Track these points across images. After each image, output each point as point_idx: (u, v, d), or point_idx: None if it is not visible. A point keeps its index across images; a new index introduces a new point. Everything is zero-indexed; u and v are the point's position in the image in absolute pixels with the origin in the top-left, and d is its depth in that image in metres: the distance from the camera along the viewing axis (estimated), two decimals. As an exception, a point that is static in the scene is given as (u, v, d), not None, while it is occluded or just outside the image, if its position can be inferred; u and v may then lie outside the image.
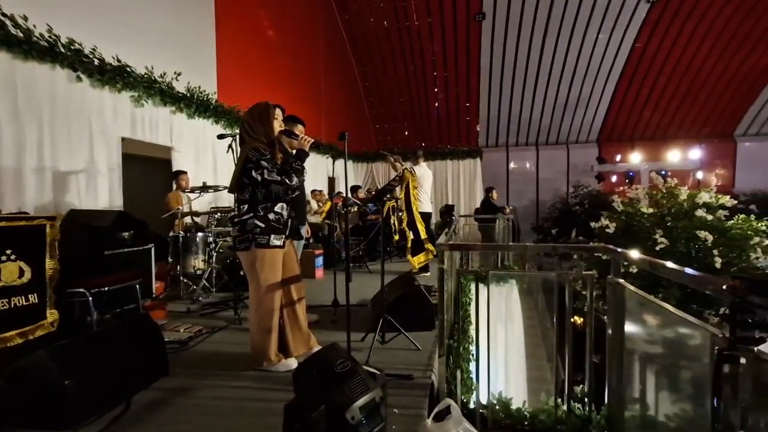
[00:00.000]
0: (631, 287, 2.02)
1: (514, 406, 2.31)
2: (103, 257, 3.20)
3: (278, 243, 2.39)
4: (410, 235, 5.00)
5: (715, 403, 1.19)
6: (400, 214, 5.67)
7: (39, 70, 3.39)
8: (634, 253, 2.07)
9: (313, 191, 7.63)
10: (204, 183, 4.33)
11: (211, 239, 4.26)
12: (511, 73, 11.85)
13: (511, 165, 14.04)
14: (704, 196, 4.55)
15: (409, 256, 5.15)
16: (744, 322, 1.11)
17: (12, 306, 2.36)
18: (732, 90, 11.54)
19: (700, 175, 12.05)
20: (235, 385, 2.25)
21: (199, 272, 4.28)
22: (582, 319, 2.90)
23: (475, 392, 2.31)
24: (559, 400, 2.23)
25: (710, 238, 4.25)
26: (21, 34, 3.20)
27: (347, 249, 2.57)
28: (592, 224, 5.17)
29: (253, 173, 2.32)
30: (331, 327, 3.21)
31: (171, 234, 4.30)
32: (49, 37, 3.42)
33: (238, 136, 2.76)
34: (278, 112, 2.55)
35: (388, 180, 10.37)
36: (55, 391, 1.78)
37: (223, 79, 5.96)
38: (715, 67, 11.06)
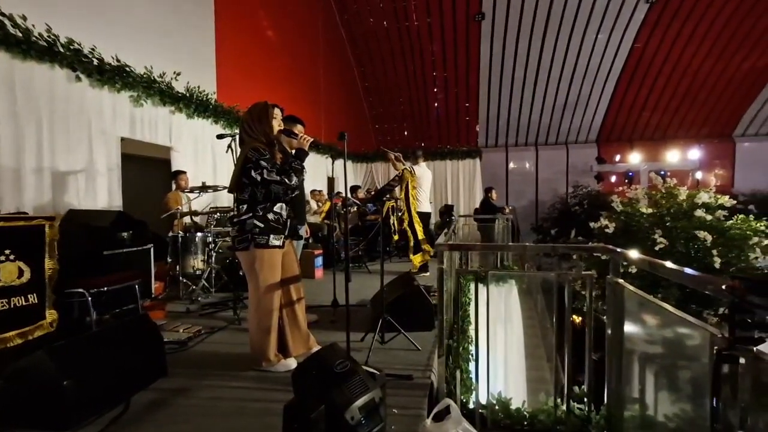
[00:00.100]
0: (631, 287, 2.02)
1: (513, 406, 2.32)
2: (103, 257, 3.20)
3: (277, 243, 2.39)
4: (411, 236, 5.03)
5: (714, 403, 1.19)
6: (400, 214, 5.68)
7: (38, 70, 3.39)
8: (634, 253, 2.08)
9: (312, 191, 7.63)
10: (203, 183, 4.33)
11: (210, 239, 4.26)
12: (510, 73, 11.86)
13: (511, 165, 14.05)
14: (703, 197, 4.55)
15: (411, 255, 5.17)
16: (743, 322, 1.11)
17: (11, 306, 2.36)
18: (731, 90, 11.56)
19: (699, 175, 12.06)
20: (235, 386, 2.24)
21: (198, 272, 4.27)
22: (580, 318, 2.90)
23: (474, 392, 2.31)
24: (559, 400, 2.23)
25: (709, 238, 4.26)
26: (20, 34, 3.19)
27: (347, 249, 2.57)
28: (592, 224, 5.18)
29: (253, 173, 2.32)
30: (330, 327, 3.21)
31: (170, 234, 4.29)
32: (48, 36, 3.42)
33: (237, 136, 2.76)
34: (277, 111, 2.55)
35: (387, 180, 10.38)
36: (54, 392, 1.78)
37: (223, 78, 5.95)
38: (714, 68, 11.08)
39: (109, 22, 4.19)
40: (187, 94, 5.03)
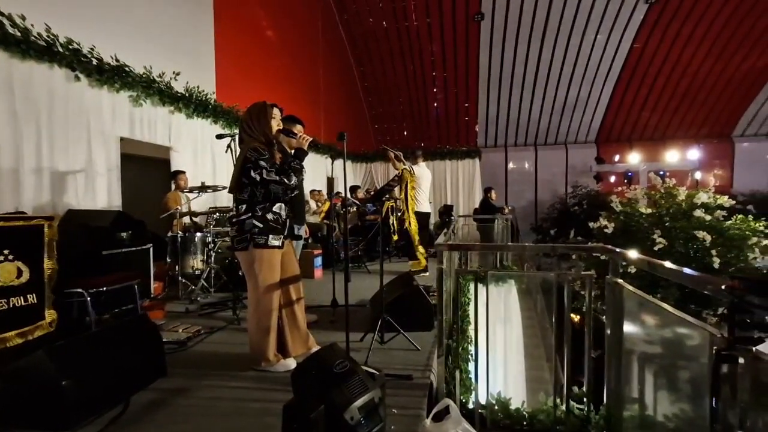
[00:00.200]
0: (630, 287, 2.02)
1: (513, 406, 2.32)
2: (102, 257, 3.20)
3: (277, 243, 2.38)
4: (414, 236, 5.06)
5: (713, 403, 1.19)
6: (400, 214, 5.69)
7: (37, 70, 3.38)
8: (633, 254, 2.08)
9: (312, 191, 7.63)
10: (202, 183, 4.32)
11: (209, 239, 4.26)
12: (509, 73, 11.87)
13: (510, 165, 14.06)
14: (702, 197, 4.56)
15: (410, 262, 5.22)
16: (742, 322, 1.11)
17: (10, 306, 2.35)
18: (730, 90, 11.57)
19: (698, 175, 12.06)
20: (234, 386, 2.24)
21: (197, 272, 4.27)
22: (579, 317, 2.91)
23: (474, 392, 2.31)
24: (558, 400, 2.23)
25: (708, 238, 4.26)
26: (19, 34, 3.18)
27: (346, 249, 2.57)
28: (591, 224, 5.18)
29: (252, 173, 2.32)
30: (329, 327, 3.21)
31: (169, 234, 4.29)
32: (48, 36, 3.41)
33: (237, 136, 2.76)
34: (276, 111, 2.54)
35: (386, 180, 10.39)
36: (54, 392, 1.77)
37: (222, 78, 5.95)
38: (713, 68, 11.09)
39: (109, 21, 4.19)
40: (187, 94, 5.02)
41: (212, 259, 4.26)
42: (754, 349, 1.09)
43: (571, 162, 13.64)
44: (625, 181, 12.83)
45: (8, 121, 3.17)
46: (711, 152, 12.72)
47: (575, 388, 2.31)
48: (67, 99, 3.64)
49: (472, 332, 2.41)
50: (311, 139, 2.57)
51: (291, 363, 2.39)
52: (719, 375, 1.16)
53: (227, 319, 3.44)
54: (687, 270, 1.51)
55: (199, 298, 4.05)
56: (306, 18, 9.38)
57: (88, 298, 2.79)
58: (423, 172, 5.45)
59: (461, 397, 2.34)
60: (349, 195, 6.28)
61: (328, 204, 6.87)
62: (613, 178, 13.44)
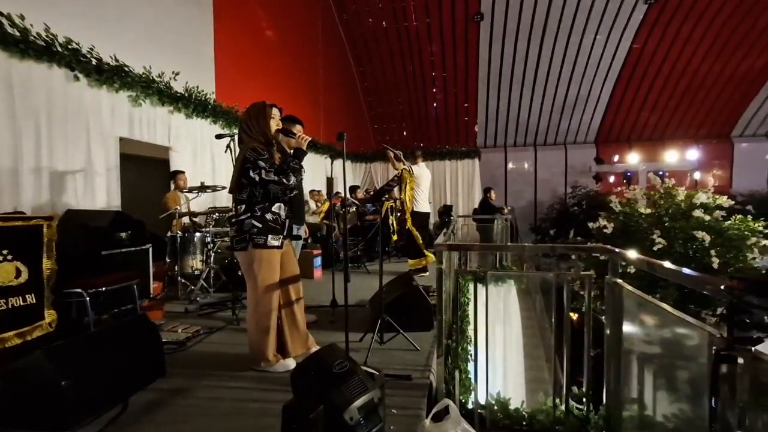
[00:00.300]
0: (629, 287, 2.02)
1: (512, 407, 2.32)
2: (101, 257, 3.19)
3: (276, 243, 2.38)
4: (417, 234, 5.08)
5: (712, 403, 1.19)
6: (399, 214, 5.69)
7: (36, 70, 3.37)
8: (632, 254, 2.08)
9: (311, 191, 7.62)
10: (202, 183, 4.32)
11: (209, 239, 4.25)
12: (509, 73, 11.88)
13: (510, 165, 14.07)
14: (701, 197, 4.57)
15: (410, 261, 5.23)
16: (742, 323, 1.12)
17: (9, 306, 2.35)
18: (729, 91, 11.59)
19: (697, 175, 12.10)
20: (233, 386, 2.24)
21: (197, 272, 4.26)
22: (576, 315, 2.91)
23: (473, 392, 2.31)
24: (558, 400, 2.23)
25: (707, 238, 4.27)
26: (18, 33, 3.18)
27: (345, 249, 2.57)
28: (590, 225, 5.19)
29: (251, 173, 2.32)
30: (329, 327, 3.21)
31: (169, 234, 4.29)
32: (47, 36, 3.40)
33: (236, 136, 2.76)
34: (275, 111, 2.54)
35: (386, 180, 10.39)
36: (53, 392, 1.77)
37: (222, 78, 5.95)
38: (712, 68, 11.11)
39: (108, 21, 4.18)
40: (186, 94, 5.02)
41: (211, 259, 4.26)
42: (753, 349, 1.09)
43: (570, 162, 13.65)
44: (625, 181, 12.85)
45: (7, 121, 3.17)
46: (710, 152, 12.74)
47: (575, 388, 2.31)
48: (66, 99, 3.63)
49: (471, 332, 2.41)
50: (310, 138, 2.57)
51: (290, 363, 2.39)
52: (718, 375, 1.16)
53: (226, 320, 3.44)
54: (686, 270, 1.52)
55: (198, 299, 4.04)
56: (306, 18, 9.38)
57: (87, 299, 2.79)
58: (422, 172, 5.44)
59: (461, 397, 2.34)
60: (348, 195, 6.28)
61: (327, 204, 6.87)
62: (612, 179, 13.46)
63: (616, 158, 13.45)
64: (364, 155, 11.26)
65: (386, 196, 3.51)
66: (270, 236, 2.35)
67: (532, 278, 6.00)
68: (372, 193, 8.36)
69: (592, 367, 2.23)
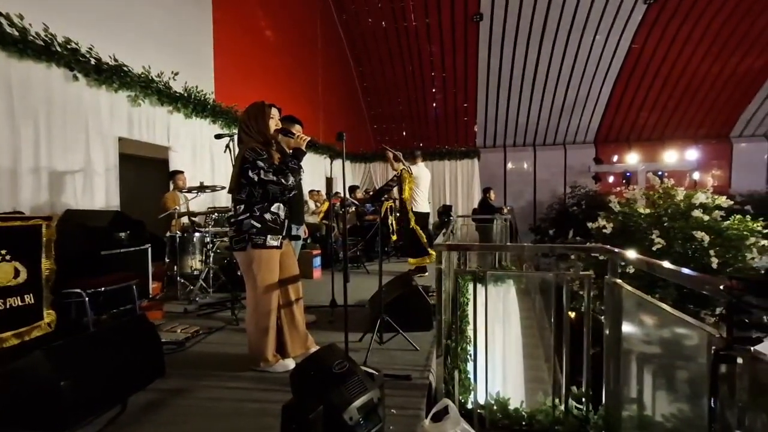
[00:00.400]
0: (629, 287, 2.02)
1: (511, 407, 2.32)
2: (100, 257, 3.19)
3: (275, 243, 2.38)
4: (421, 233, 5.10)
5: (712, 403, 1.19)
6: (399, 214, 5.70)
7: (35, 70, 3.37)
8: (631, 254, 2.08)
9: (310, 191, 7.62)
10: (201, 183, 4.31)
11: (208, 239, 4.25)
12: (508, 73, 11.89)
13: (509, 165, 14.08)
14: (701, 197, 4.57)
15: (411, 260, 5.24)
16: (741, 322, 1.12)
17: (7, 306, 2.34)
18: (728, 91, 11.61)
19: (696, 175, 12.12)
20: (233, 386, 2.24)
21: (196, 273, 4.26)
22: (574, 314, 2.91)
23: (472, 392, 2.31)
24: (557, 401, 2.23)
25: (707, 238, 4.28)
26: (16, 33, 3.17)
27: (345, 249, 2.57)
28: (590, 225, 5.20)
29: (250, 173, 2.31)
30: (328, 327, 3.20)
31: (168, 234, 4.28)
32: (45, 36, 3.40)
33: (236, 136, 2.75)
34: (274, 111, 2.54)
35: (385, 180, 10.39)
36: (51, 393, 1.77)
37: (221, 78, 5.94)
38: (711, 69, 11.12)
39: (107, 21, 4.18)
40: (185, 94, 5.01)
41: (211, 259, 4.25)
42: (752, 349, 1.09)
43: (569, 162, 13.67)
44: (624, 181, 12.86)
45: (6, 120, 3.16)
46: (709, 153, 12.77)
47: (574, 388, 2.32)
48: (65, 99, 3.63)
49: (470, 332, 2.41)
50: (309, 138, 2.56)
51: (290, 363, 2.38)
52: (717, 375, 1.16)
53: (226, 320, 3.44)
54: (685, 270, 1.52)
55: (197, 299, 4.04)
56: (305, 18, 9.37)
57: (87, 299, 2.78)
58: (422, 172, 5.44)
59: (460, 398, 2.34)
60: (347, 195, 6.28)
61: (326, 204, 6.87)
62: (611, 179, 13.48)
63: (615, 158, 13.47)
64: (364, 155, 11.26)
65: (386, 196, 3.51)
66: (269, 236, 2.35)
67: (532, 278, 6.01)
68: (371, 193, 8.36)
69: (592, 367, 2.23)
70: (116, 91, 4.12)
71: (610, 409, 2.13)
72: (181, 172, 4.85)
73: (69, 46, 3.58)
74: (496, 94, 12.52)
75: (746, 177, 12.10)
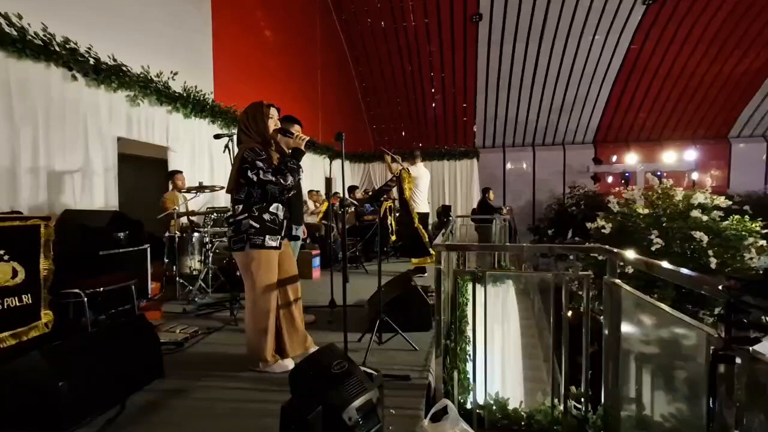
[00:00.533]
0: (627, 287, 2.03)
1: (510, 407, 2.32)
2: (99, 258, 3.18)
3: (273, 244, 2.38)
4: (424, 233, 5.12)
5: (710, 402, 1.19)
6: (398, 215, 5.71)
7: (33, 69, 3.36)
8: (630, 254, 2.08)
9: (310, 192, 7.62)
10: (200, 183, 4.31)
11: (207, 240, 4.24)
12: (507, 74, 11.89)
13: (508, 166, 14.09)
14: (699, 197, 4.58)
15: (413, 260, 5.26)
16: (739, 323, 1.12)
17: (5, 307, 2.34)
18: (726, 92, 11.63)
19: (695, 176, 12.14)
20: (231, 387, 2.24)
21: (195, 273, 4.25)
22: (572, 312, 2.92)
23: (472, 392, 2.31)
24: (556, 400, 2.23)
25: (705, 238, 4.28)
26: (15, 33, 3.17)
27: (344, 249, 2.57)
28: (588, 225, 5.20)
29: (249, 173, 2.31)
30: (327, 328, 3.20)
31: (167, 234, 4.27)
32: (44, 35, 3.39)
33: (235, 136, 2.75)
34: (273, 111, 2.53)
35: (384, 180, 10.38)
36: (49, 393, 1.76)
37: (220, 78, 5.94)
38: (709, 69, 11.15)
39: (106, 21, 4.17)
40: (184, 94, 5.01)
41: (210, 259, 4.25)
42: (750, 349, 1.10)
43: (568, 162, 13.68)
44: (623, 181, 12.87)
45: (5, 120, 3.16)
46: (708, 153, 12.79)
47: (573, 388, 2.32)
48: (64, 98, 3.62)
49: (470, 332, 2.41)
50: (308, 138, 2.55)
51: (289, 364, 2.38)
52: (716, 375, 1.16)
53: (225, 320, 3.44)
54: (684, 270, 1.52)
55: (196, 299, 4.03)
56: (304, 18, 9.37)
57: (85, 299, 2.78)
58: (421, 172, 5.45)
59: (459, 398, 2.34)
60: (347, 195, 6.28)
61: (325, 204, 6.87)
62: (610, 179, 13.49)
63: (614, 158, 13.48)
64: (363, 155, 11.26)
65: (385, 196, 3.52)
66: (268, 236, 2.35)
67: (531, 278, 6.01)
68: (370, 193, 8.37)
69: (590, 367, 2.23)
70: (115, 90, 4.12)
71: (609, 409, 2.13)
72: (180, 172, 4.84)
73: (68, 46, 3.58)
74: (495, 94, 12.53)
75: (744, 177, 12.13)
